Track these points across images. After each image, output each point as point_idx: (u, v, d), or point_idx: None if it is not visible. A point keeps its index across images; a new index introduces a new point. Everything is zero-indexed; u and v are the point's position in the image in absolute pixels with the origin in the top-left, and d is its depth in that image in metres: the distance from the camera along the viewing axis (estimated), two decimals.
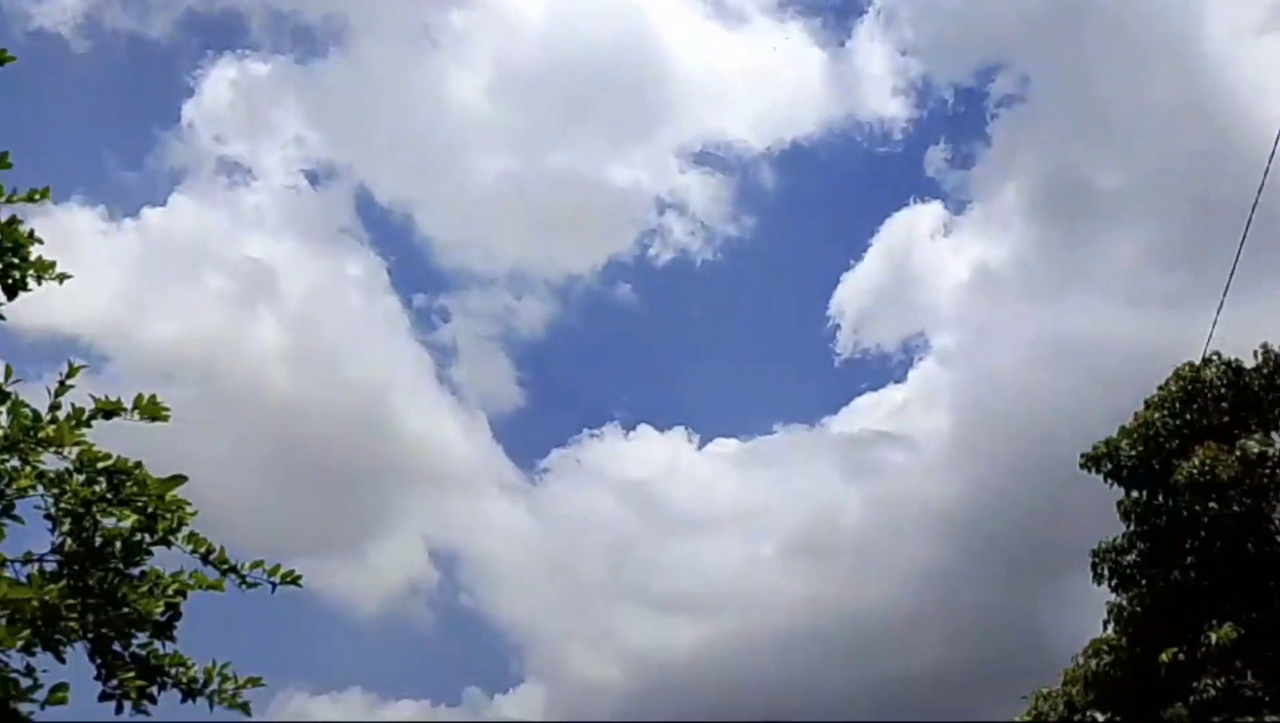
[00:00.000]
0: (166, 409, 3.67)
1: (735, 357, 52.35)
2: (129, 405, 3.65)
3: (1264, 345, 15.30)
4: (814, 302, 50.24)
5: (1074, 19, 41.88)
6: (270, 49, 52.20)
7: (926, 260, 46.42)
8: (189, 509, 3.96)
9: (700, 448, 44.91)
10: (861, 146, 46.94)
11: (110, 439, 3.80)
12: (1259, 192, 9.97)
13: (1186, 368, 15.17)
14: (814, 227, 52.75)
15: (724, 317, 52.90)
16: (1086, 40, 42.10)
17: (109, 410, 3.60)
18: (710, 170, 47.51)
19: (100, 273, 42.05)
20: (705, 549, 43.22)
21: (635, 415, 51.42)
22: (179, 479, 3.64)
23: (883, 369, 51.19)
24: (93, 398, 3.62)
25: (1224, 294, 12.89)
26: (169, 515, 3.82)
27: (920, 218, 47.40)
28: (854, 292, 46.04)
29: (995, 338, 43.13)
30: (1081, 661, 15.46)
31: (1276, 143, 9.45)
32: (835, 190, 51.35)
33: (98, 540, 3.61)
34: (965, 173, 47.06)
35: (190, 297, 42.95)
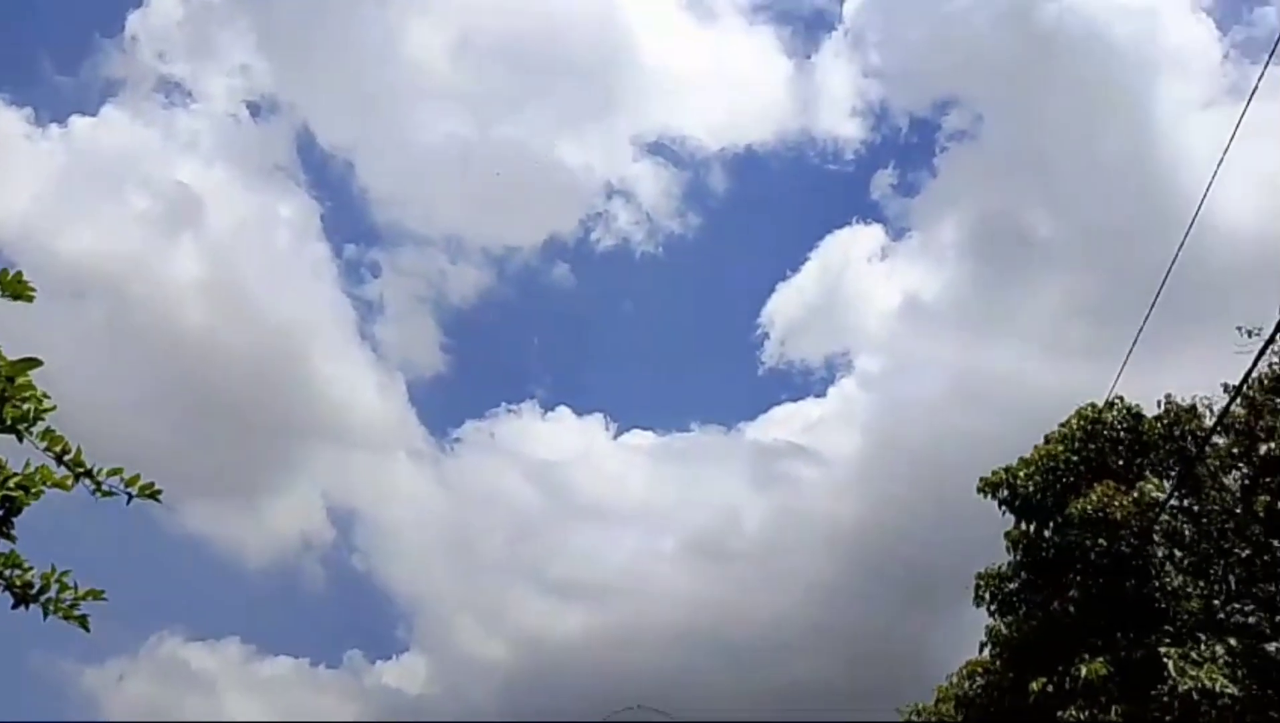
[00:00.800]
0: (32, 289, 3.41)
1: (663, 351, 52.42)
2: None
3: (1167, 396, 15.72)
4: (747, 308, 50.56)
5: (1033, 67, 42.72)
6: None
7: (861, 282, 47.04)
8: (46, 402, 3.70)
9: (616, 437, 44.88)
10: (813, 161, 47.27)
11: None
12: (1176, 252, 10.22)
13: (1089, 408, 15.51)
14: (756, 233, 53.01)
15: (657, 311, 52.91)
16: (1042, 90, 42.99)
17: None
18: (662, 163, 47.37)
19: (19, 177, 40.43)
20: (607, 538, 43.24)
21: (555, 397, 51.16)
22: (32, 362, 3.39)
23: (804, 383, 51.69)
24: None
25: (1133, 343, 13.16)
26: (21, 404, 3.56)
27: (860, 239, 48.00)
28: (786, 303, 46.46)
29: (916, 367, 43.93)
30: (956, 680, 15.75)
31: (1198, 209, 9.70)
32: (782, 201, 51.68)
33: None
34: (908, 201, 47.75)
35: (111, 213, 41.48)
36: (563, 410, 45.13)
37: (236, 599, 43.01)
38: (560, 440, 44.91)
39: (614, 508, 44.18)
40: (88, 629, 3.89)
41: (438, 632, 41.40)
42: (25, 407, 3.64)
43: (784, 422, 44.65)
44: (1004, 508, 15.36)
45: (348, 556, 42.39)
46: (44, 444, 3.81)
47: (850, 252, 47.22)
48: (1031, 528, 15.24)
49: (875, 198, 47.03)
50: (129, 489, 3.98)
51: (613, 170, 47.64)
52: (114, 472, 4.00)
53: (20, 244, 36.47)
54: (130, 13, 48.90)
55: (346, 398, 44.01)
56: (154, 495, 4.09)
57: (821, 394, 49.11)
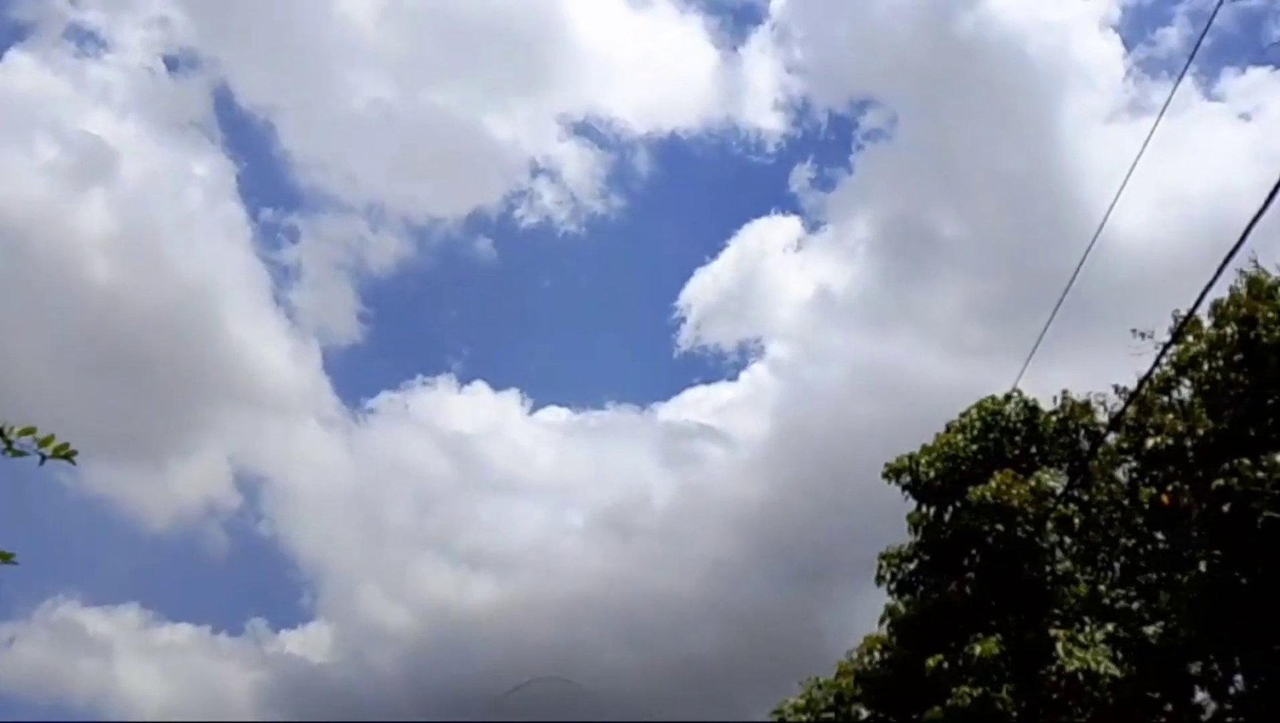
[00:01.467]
0: None
1: (581, 331, 52.76)
2: None
3: (1064, 392, 16.37)
4: (665, 291, 51.01)
5: (949, 73, 43.85)
6: None
7: (776, 271, 47.81)
8: None
9: (531, 413, 44.98)
10: (735, 151, 47.77)
11: None
12: (1084, 256, 10.65)
13: (990, 400, 16.10)
14: (678, 219, 53.45)
15: (577, 290, 53.15)
16: (955, 95, 44.08)
17: None
18: (588, 143, 47.38)
19: None
20: (516, 511, 43.55)
21: (472, 370, 51.06)
22: None
23: (717, 367, 52.45)
24: None
25: (1038, 340, 13.66)
26: None
27: (777, 230, 48.83)
28: (704, 288, 47.08)
29: (824, 356, 44.90)
30: (855, 656, 16.27)
31: (1106, 216, 10.08)
32: (704, 188, 52.23)
33: None
34: (825, 195, 48.79)
35: (15, 162, 40.10)
36: (479, 385, 45.30)
37: (137, 564, 42.32)
38: (475, 414, 44.98)
39: (525, 482, 44.51)
40: None
41: (343, 601, 41.30)
42: None
43: (696, 404, 45.32)
44: (906, 493, 15.87)
45: (253, 522, 41.97)
46: None
47: (767, 241, 47.99)
48: (932, 512, 15.77)
49: (794, 190, 48.01)
50: (42, 450, 4.02)
51: (539, 148, 47.68)
52: (26, 431, 4.03)
53: None
54: None
55: (258, 362, 43.44)
56: (68, 456, 4.14)
57: (734, 378, 49.88)
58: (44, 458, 4.04)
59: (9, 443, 3.96)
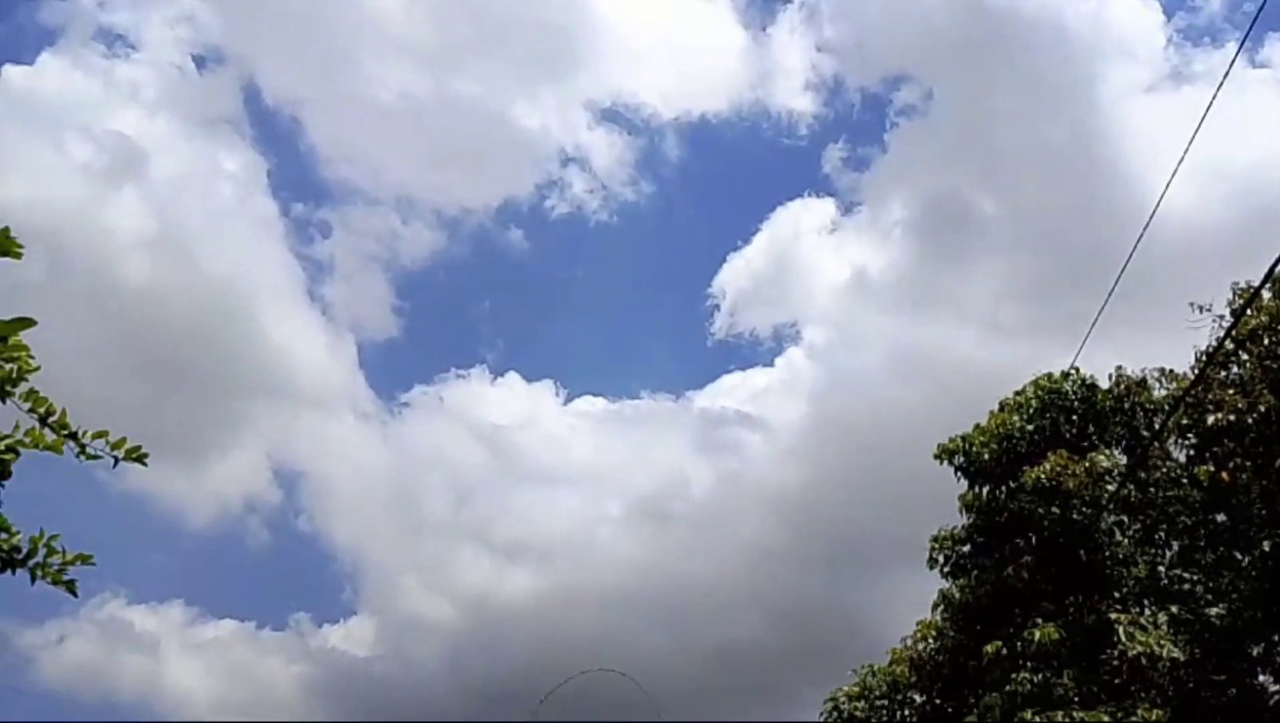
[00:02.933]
0: (19, 245, 3.28)
1: (614, 319, 52.41)
2: None
3: (1118, 368, 16.02)
4: (698, 277, 50.60)
5: (983, 46, 43.02)
6: None
7: (810, 255, 47.31)
8: (32, 362, 3.58)
9: (565, 403, 44.85)
10: (766, 134, 47.30)
11: None
12: (1142, 232, 10.36)
13: (1046, 379, 15.76)
14: (709, 204, 53.01)
15: (609, 279, 52.82)
16: (990, 69, 43.33)
17: None
18: (617, 130, 47.06)
19: None
20: (553, 501, 43.29)
21: (506, 362, 50.95)
22: (25, 322, 3.27)
23: (753, 352, 52.09)
24: None
25: (1096, 316, 13.36)
26: (8, 365, 3.45)
27: (811, 212, 48.20)
28: (737, 274, 46.62)
29: (861, 339, 44.46)
30: (909, 642, 16.04)
31: (1163, 193, 9.77)
32: (735, 171, 51.73)
33: None
34: (859, 175, 48.04)
35: (50, 164, 40.25)
36: (512, 376, 45.03)
37: (180, 560, 42.49)
38: (509, 405, 44.83)
39: (562, 472, 44.29)
40: (75, 594, 3.79)
41: (384, 594, 41.29)
42: (9, 367, 3.52)
43: (732, 390, 45.01)
44: (959, 474, 15.60)
45: (293, 517, 42.03)
46: (28, 405, 3.70)
47: (801, 224, 47.50)
48: (985, 493, 15.50)
49: (827, 171, 47.27)
50: (114, 452, 3.88)
51: (568, 136, 47.23)
52: (99, 434, 3.89)
53: None
54: None
55: (293, 358, 43.43)
56: (140, 458, 3.99)
57: (769, 364, 49.50)
58: (117, 461, 3.90)
59: (82, 447, 3.81)
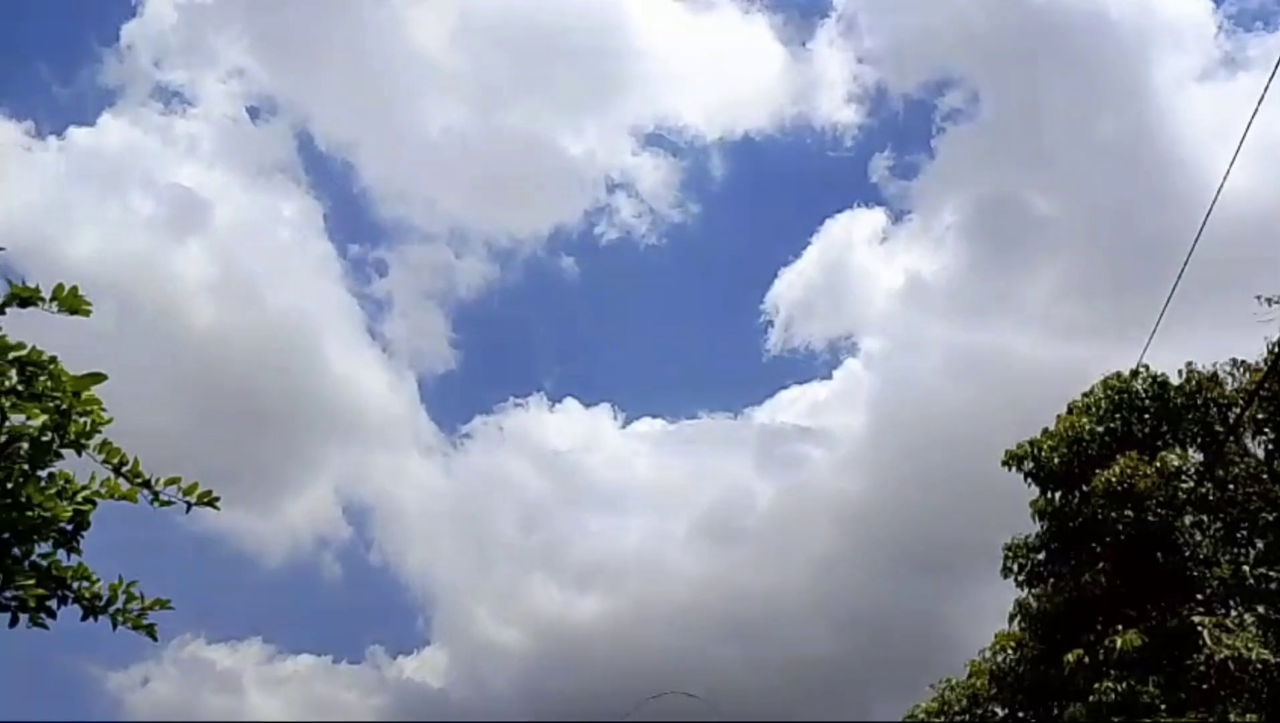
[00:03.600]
0: (88, 303, 3.41)
1: (668, 341, 52.46)
2: (47, 295, 3.39)
3: (1188, 364, 15.66)
4: (750, 294, 50.48)
5: (1028, 44, 42.49)
6: None
7: (863, 265, 46.98)
8: (105, 415, 3.70)
9: (624, 426, 44.92)
10: (811, 148, 47.17)
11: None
12: (1203, 222, 10.13)
13: (1115, 378, 15.45)
14: (757, 220, 52.95)
15: (661, 301, 52.91)
16: (1036, 67, 42.77)
17: (25, 297, 3.33)
18: (661, 152, 47.27)
19: (23, 188, 40.44)
20: (618, 524, 43.30)
21: (563, 388, 51.20)
22: (97, 377, 3.38)
23: (809, 366, 51.75)
24: (7, 282, 3.35)
25: (1162, 312, 13.11)
26: (82, 419, 3.57)
27: (861, 223, 47.92)
28: (790, 288, 46.42)
29: (919, 347, 43.96)
30: (988, 654, 15.75)
31: (1222, 183, 9.57)
32: (781, 187, 51.64)
33: (4, 437, 3.34)
34: (907, 183, 47.66)
35: (115, 219, 41.46)
36: (570, 402, 45.24)
37: (256, 599, 43.19)
38: (569, 431, 45.03)
39: (624, 494, 44.30)
40: (155, 638, 3.90)
41: (456, 623, 41.55)
42: (85, 421, 3.65)
43: (790, 404, 44.74)
44: (1029, 480, 15.32)
45: (364, 552, 42.53)
46: (102, 457, 3.82)
47: (851, 235, 47.22)
48: (1057, 498, 15.20)
49: (874, 181, 46.94)
50: (187, 498, 3.99)
51: (613, 162, 47.52)
52: (171, 481, 4.01)
53: (28, 254, 36.48)
54: (125, 22, 48.86)
55: (357, 396, 44.09)
56: (212, 503, 4.10)
57: (827, 376, 49.13)
58: (189, 506, 4.01)
59: (155, 494, 3.92)
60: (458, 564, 43.73)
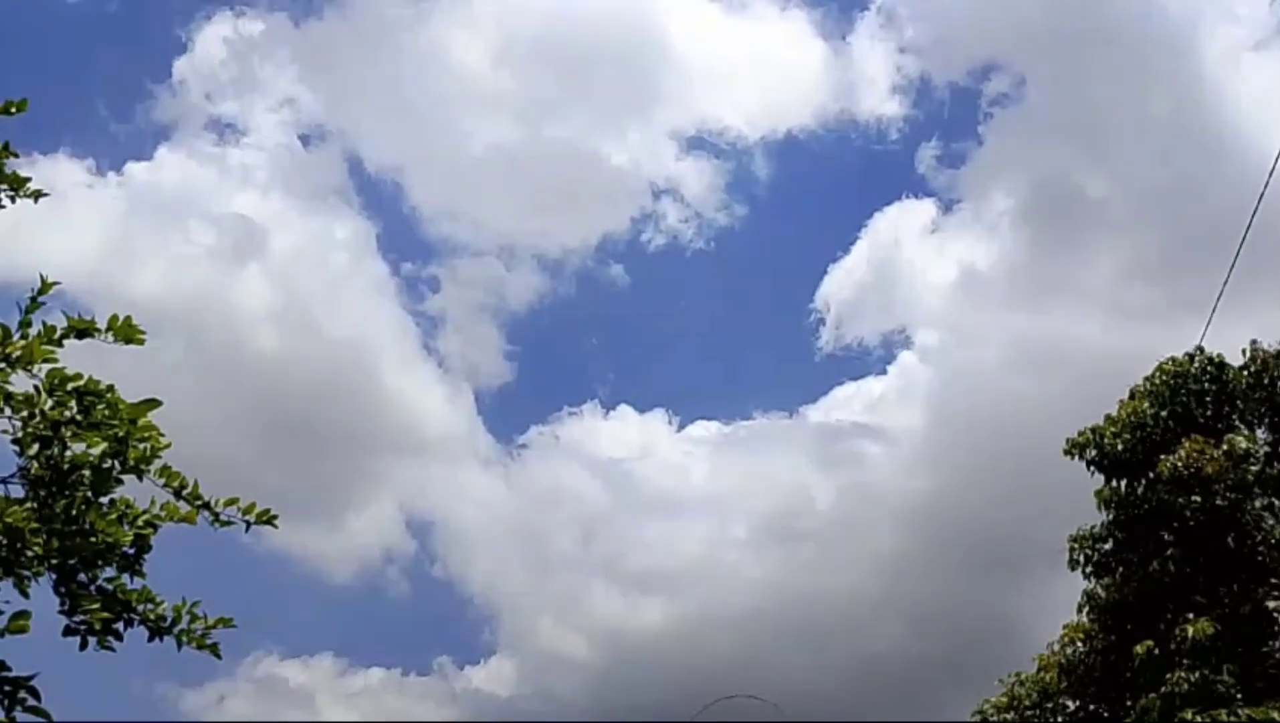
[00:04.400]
0: (142, 332, 3.51)
1: (720, 344, 52.31)
2: (103, 326, 3.49)
3: (1252, 343, 15.29)
4: (800, 293, 50.12)
5: (1072, 25, 41.76)
6: (266, 6, 51.36)
7: (914, 257, 46.41)
8: (163, 440, 3.80)
9: (679, 430, 44.85)
10: (856, 143, 46.78)
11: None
12: (1260, 199, 9.89)
13: (1171, 361, 15.15)
14: (804, 219, 52.59)
15: (711, 304, 52.78)
16: (1083, 47, 42.00)
17: (81, 330, 3.44)
18: (704, 155, 47.21)
19: (86, 226, 41.47)
20: (677, 529, 43.22)
21: (616, 395, 51.29)
22: (153, 403, 3.48)
23: (863, 362, 51.27)
24: (65, 316, 3.45)
25: (1220, 292, 12.87)
26: (140, 445, 3.67)
27: (910, 215, 47.33)
28: (839, 285, 46.01)
29: (976, 338, 43.31)
30: (1057, 647, 15.50)
31: (1278, 159, 9.33)
32: (827, 183, 51.26)
33: (66, 465, 3.45)
34: (956, 172, 47.04)
35: (175, 251, 42.39)
36: (624, 408, 45.27)
37: (326, 615, 43.80)
38: (624, 437, 45.05)
39: (683, 499, 44.22)
40: (219, 657, 3.99)
41: (521, 633, 41.80)
42: (144, 447, 3.75)
43: (846, 402, 44.31)
44: (1092, 469, 15.06)
45: (429, 566, 42.95)
46: (162, 481, 3.93)
47: (900, 228, 46.67)
48: (1123, 486, 14.92)
49: (921, 172, 46.37)
50: (246, 517, 4.08)
51: (658, 169, 47.54)
52: (230, 502, 4.11)
53: (94, 290, 37.41)
54: (176, 58, 49.89)
55: (415, 412, 44.54)
56: (270, 521, 4.19)
57: (881, 372, 48.60)
58: (249, 526, 4.09)
59: (215, 515, 4.02)
60: (520, 574, 44.03)
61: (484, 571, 43.29)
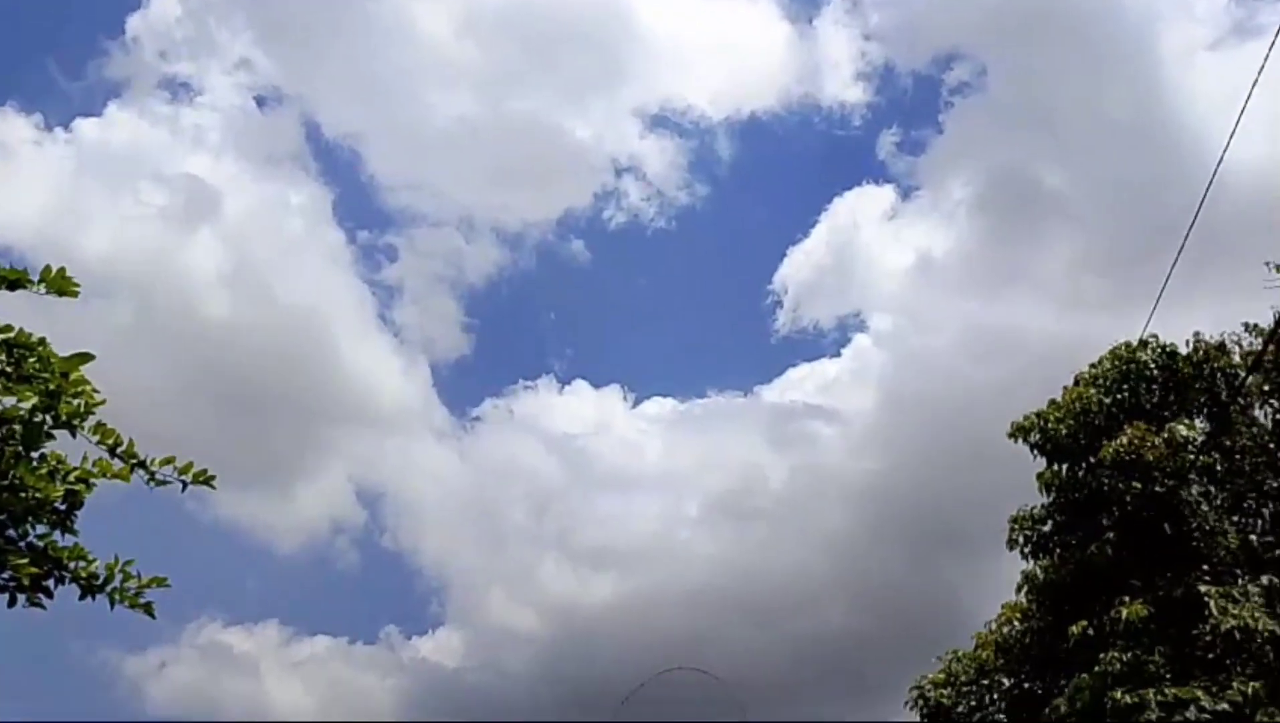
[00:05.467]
0: (76, 284, 3.43)
1: (677, 322, 52.50)
2: (35, 277, 3.41)
3: (1196, 334, 15.60)
4: (758, 274, 50.41)
5: (1034, 17, 42.10)
6: None
7: (871, 242, 46.83)
8: (97, 396, 3.73)
9: (634, 407, 44.99)
10: (819, 127, 46.97)
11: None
12: (1205, 193, 10.04)
13: (1123, 348, 15.40)
14: (765, 201, 52.80)
15: (671, 282, 52.93)
16: (1044, 39, 42.39)
17: (13, 280, 3.36)
18: (667, 134, 47.15)
19: (34, 182, 40.57)
20: (630, 505, 43.43)
21: (572, 371, 51.28)
22: (84, 357, 3.41)
23: (818, 344, 51.80)
24: None
25: (1164, 284, 13.04)
26: (74, 400, 3.60)
27: (869, 200, 47.73)
28: (798, 267, 46.34)
29: (930, 324, 43.89)
30: (994, 626, 15.79)
31: (1224, 152, 9.49)
32: (788, 166, 51.51)
33: None
34: (914, 160, 47.45)
35: (126, 212, 41.58)
36: (579, 384, 45.32)
37: (273, 584, 43.54)
38: (579, 413, 45.12)
39: (636, 475, 44.41)
40: (153, 617, 3.94)
41: (471, 606, 41.85)
42: (77, 402, 3.68)
43: (800, 383, 44.74)
44: (1035, 452, 15.30)
45: (378, 536, 42.80)
46: (96, 438, 3.85)
47: (859, 213, 47.07)
48: (1064, 470, 15.19)
49: (882, 158, 46.72)
50: (182, 477, 4.02)
51: (621, 146, 47.43)
52: (166, 461, 4.04)
53: (41, 248, 36.63)
54: (130, 15, 48.76)
55: (369, 381, 44.26)
56: (208, 481, 4.13)
57: (836, 354, 49.09)
58: (185, 485, 4.04)
59: (151, 474, 3.95)
60: (471, 547, 44.01)
61: (434, 543, 43.23)
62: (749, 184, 50.53)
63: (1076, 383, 15.46)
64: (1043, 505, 15.43)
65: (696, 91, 52.74)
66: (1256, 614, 13.20)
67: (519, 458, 44.59)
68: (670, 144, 47.20)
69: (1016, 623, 15.44)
